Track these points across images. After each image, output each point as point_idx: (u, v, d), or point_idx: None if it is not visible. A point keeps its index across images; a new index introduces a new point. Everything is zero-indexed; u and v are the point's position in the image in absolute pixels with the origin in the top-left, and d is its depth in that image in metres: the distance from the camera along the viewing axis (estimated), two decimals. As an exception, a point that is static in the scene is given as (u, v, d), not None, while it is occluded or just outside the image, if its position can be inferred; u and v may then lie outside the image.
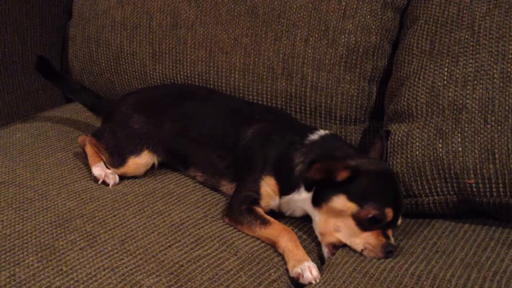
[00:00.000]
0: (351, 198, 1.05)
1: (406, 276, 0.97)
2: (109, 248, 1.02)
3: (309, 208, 1.12)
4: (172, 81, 1.52)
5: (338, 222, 1.07)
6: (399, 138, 1.20)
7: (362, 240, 1.05)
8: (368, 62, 1.33)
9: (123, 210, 1.13)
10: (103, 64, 1.65)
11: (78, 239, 1.04)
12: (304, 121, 1.38)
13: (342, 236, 1.07)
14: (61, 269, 0.96)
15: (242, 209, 1.12)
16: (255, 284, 0.98)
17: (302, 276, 0.99)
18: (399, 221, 1.08)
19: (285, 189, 1.16)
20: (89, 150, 1.33)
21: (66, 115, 1.64)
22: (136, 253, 1.01)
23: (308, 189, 1.11)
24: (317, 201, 1.10)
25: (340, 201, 1.06)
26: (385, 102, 1.33)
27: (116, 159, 1.28)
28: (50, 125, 1.56)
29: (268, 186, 1.17)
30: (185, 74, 1.49)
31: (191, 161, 1.29)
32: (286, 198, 1.16)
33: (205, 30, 1.47)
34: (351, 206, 1.05)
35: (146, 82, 1.56)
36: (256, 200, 1.15)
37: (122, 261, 0.99)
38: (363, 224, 1.05)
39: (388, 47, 1.35)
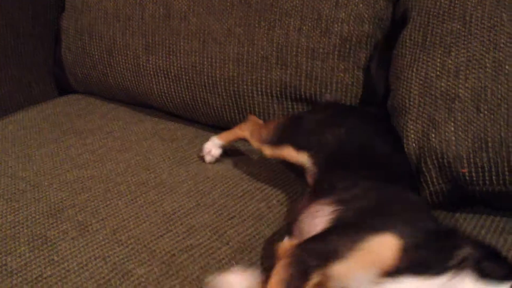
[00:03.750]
0: None
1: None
2: (101, 238, 1.02)
3: None
4: (165, 72, 1.51)
5: None
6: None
7: None
8: (362, 51, 1.33)
9: (115, 200, 1.13)
10: (96, 56, 1.64)
11: (69, 229, 1.04)
12: (298, 110, 1.38)
13: None
14: (53, 259, 0.96)
15: None
16: (247, 273, 0.97)
17: None
18: None
19: None
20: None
21: (58, 108, 1.63)
22: (127, 243, 1.01)
23: None
24: None
25: None
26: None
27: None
28: (43, 118, 1.55)
29: None
30: (179, 65, 1.49)
31: None
32: None
33: (198, 21, 1.46)
34: None
35: (139, 74, 1.56)
36: None
37: (114, 251, 0.98)
38: None
39: (381, 36, 1.35)
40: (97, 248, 0.99)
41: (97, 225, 1.05)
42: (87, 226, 1.05)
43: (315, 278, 0.76)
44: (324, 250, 0.78)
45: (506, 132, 1.05)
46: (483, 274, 0.73)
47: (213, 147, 1.33)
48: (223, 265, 0.98)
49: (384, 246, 0.76)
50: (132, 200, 1.14)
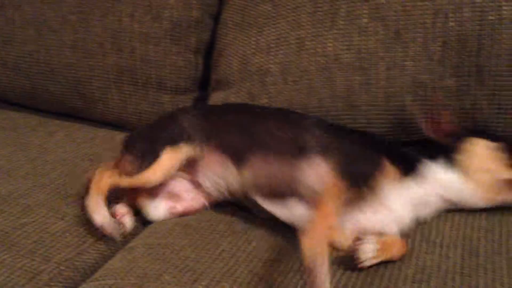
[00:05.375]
0: None
1: (221, 223, 1.09)
2: None
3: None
4: (2, 62, 1.51)
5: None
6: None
7: None
8: (192, 35, 1.43)
9: None
10: None
11: None
12: (137, 93, 1.45)
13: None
14: None
15: None
16: (80, 242, 1.04)
17: None
18: None
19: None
20: None
21: None
22: (-43, 227, 1.04)
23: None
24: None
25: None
26: (211, 73, 1.43)
27: None
28: None
29: None
30: (16, 54, 1.50)
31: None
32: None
33: (32, 9, 1.49)
34: None
35: (-25, 64, 1.55)
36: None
37: None
38: None
39: (210, 21, 1.45)
40: None
41: None
42: None
43: None
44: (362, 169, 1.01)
45: (307, 99, 1.21)
46: None
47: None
48: (57, 238, 1.04)
49: None
50: (-35, 188, 1.16)
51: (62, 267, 0.99)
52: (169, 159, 1.08)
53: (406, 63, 1.15)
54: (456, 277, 0.90)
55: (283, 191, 1.03)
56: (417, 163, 1.05)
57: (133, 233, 1.12)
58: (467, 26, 1.12)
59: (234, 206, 1.13)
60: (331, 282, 0.85)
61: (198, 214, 1.13)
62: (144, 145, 1.12)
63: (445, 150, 1.06)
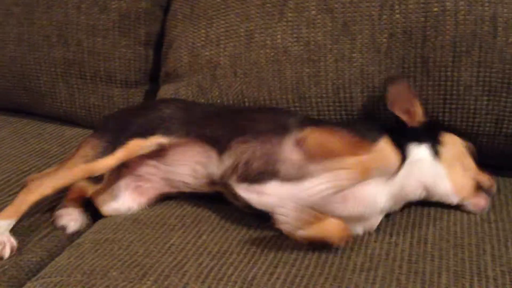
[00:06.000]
0: None
1: (172, 217, 1.08)
2: None
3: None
4: None
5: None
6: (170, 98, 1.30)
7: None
8: (141, 27, 1.41)
9: None
10: None
11: None
12: (85, 87, 1.42)
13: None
14: None
15: None
16: (25, 242, 1.02)
17: None
18: None
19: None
20: None
21: None
22: None
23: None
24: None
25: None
26: (161, 66, 1.42)
27: None
28: None
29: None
30: (-43, 48, 1.46)
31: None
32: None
33: (-26, 1, 1.44)
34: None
35: None
36: None
37: None
38: None
39: (160, 12, 1.43)
40: None
41: None
42: None
43: None
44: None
45: (258, 92, 1.21)
46: None
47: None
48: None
49: None
50: None
51: (6, 266, 0.97)
52: (135, 147, 1.04)
53: (354, 55, 1.16)
54: (403, 264, 0.92)
55: (262, 172, 0.99)
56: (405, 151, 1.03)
57: (82, 229, 1.10)
58: (412, 18, 1.13)
59: (186, 200, 1.12)
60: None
61: (149, 209, 1.11)
62: (114, 132, 1.05)
63: (426, 141, 1.05)
